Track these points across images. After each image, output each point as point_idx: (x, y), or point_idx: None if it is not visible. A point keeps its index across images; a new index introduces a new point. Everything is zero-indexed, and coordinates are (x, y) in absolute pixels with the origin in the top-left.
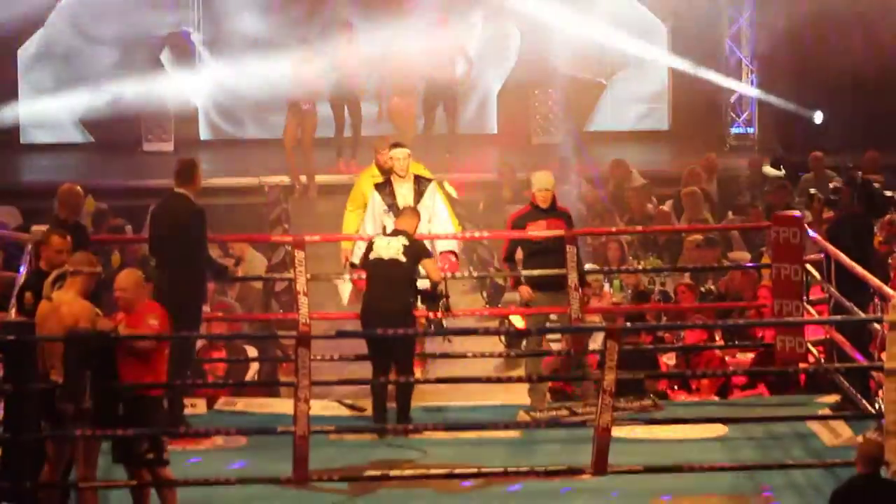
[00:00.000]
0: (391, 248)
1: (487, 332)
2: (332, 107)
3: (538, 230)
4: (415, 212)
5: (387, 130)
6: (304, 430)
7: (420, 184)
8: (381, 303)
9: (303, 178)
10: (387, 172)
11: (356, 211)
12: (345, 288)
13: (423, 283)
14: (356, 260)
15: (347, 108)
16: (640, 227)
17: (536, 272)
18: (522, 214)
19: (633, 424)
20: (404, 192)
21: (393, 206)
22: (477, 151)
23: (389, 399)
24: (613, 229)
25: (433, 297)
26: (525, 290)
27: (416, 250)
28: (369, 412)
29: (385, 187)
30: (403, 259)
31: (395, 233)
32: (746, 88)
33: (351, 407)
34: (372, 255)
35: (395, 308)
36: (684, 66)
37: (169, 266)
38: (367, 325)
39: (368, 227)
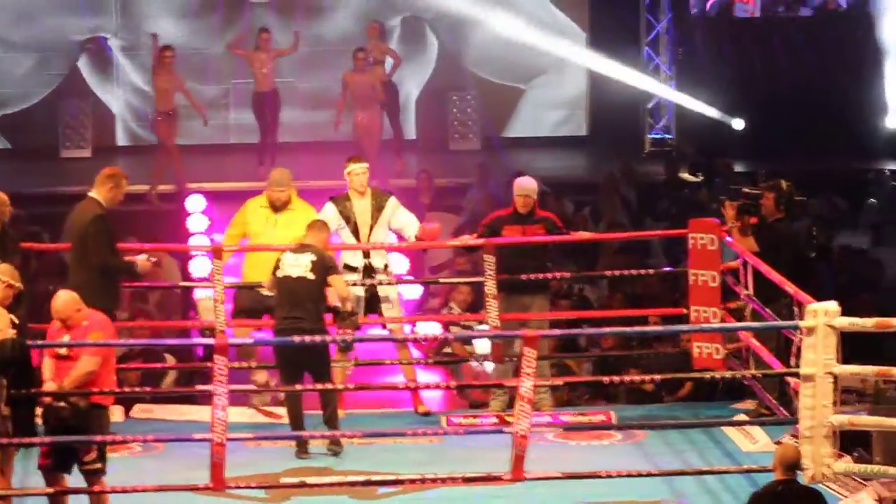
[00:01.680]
0: (299, 266)
1: (405, 339)
2: (255, 115)
3: (513, 235)
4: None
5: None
6: (222, 438)
7: (378, 199)
8: (292, 323)
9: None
10: (278, 208)
11: (236, 238)
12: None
13: (331, 298)
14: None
15: (268, 114)
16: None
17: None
18: (501, 216)
19: (550, 429)
20: (362, 209)
21: (350, 222)
22: (395, 157)
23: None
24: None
25: (342, 314)
26: None
27: (325, 265)
28: (286, 419)
29: (343, 202)
30: (312, 276)
31: (303, 248)
32: (664, 90)
33: (269, 414)
34: (279, 273)
35: (306, 328)
36: (603, 66)
37: (74, 270)
38: (280, 348)
39: None
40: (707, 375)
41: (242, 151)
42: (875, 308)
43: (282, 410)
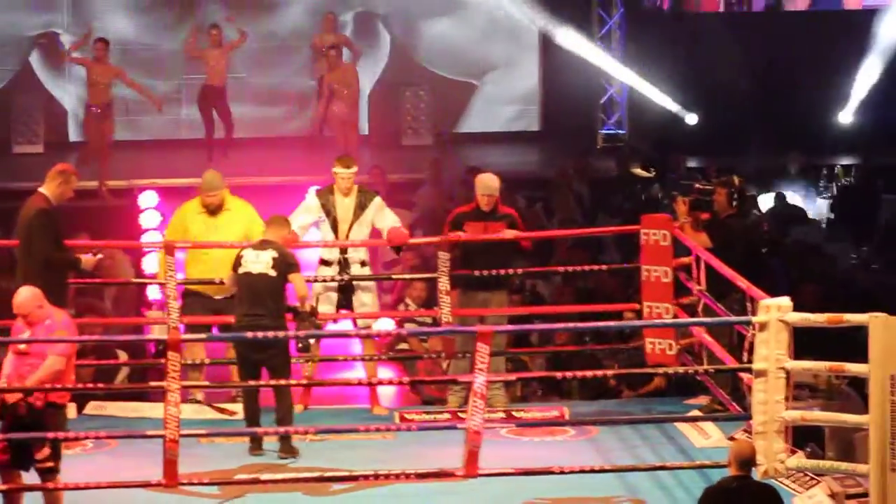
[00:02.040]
0: (260, 262)
1: (358, 335)
2: (199, 110)
3: (476, 233)
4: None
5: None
6: (174, 434)
7: (362, 197)
8: (252, 320)
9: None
10: (213, 212)
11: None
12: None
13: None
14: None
15: (216, 110)
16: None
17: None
18: (464, 212)
19: (504, 425)
20: (344, 205)
21: (330, 216)
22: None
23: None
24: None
25: (302, 314)
26: None
27: (286, 263)
28: (241, 415)
29: (326, 195)
30: (273, 273)
31: (264, 244)
32: (622, 73)
33: (222, 410)
34: (240, 270)
35: (266, 325)
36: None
37: (20, 265)
38: (240, 345)
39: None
40: (660, 371)
41: (195, 147)
42: (820, 300)
43: (235, 406)
